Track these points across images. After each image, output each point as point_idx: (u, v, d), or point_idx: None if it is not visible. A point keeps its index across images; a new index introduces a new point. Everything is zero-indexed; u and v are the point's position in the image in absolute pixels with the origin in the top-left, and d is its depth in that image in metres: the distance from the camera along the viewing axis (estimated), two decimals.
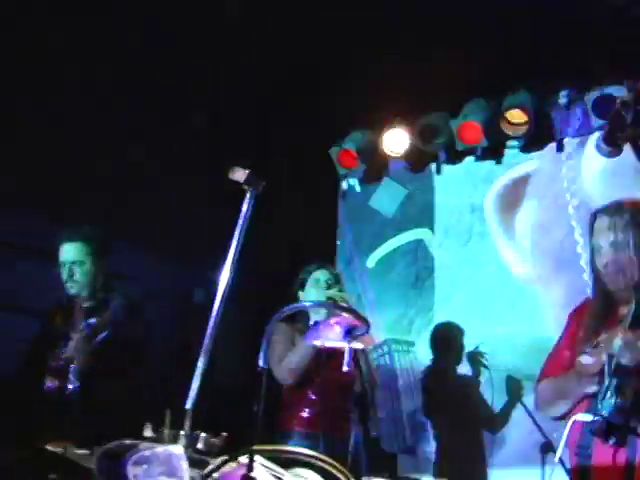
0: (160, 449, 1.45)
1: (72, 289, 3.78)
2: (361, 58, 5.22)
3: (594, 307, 2.79)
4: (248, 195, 2.03)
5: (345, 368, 2.43)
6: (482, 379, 5.09)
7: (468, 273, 5.46)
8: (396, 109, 5.41)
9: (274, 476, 1.44)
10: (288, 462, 1.50)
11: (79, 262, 3.76)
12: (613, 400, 2.38)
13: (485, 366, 5.07)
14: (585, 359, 2.57)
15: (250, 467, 1.33)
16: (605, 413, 2.39)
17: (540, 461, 3.74)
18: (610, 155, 1.58)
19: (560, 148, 5.11)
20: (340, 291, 3.67)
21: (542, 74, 4.96)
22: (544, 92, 5.09)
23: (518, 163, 5.34)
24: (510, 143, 5.27)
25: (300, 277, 4.01)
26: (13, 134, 4.54)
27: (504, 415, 4.94)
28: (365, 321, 2.28)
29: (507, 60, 4.87)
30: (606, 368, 2.47)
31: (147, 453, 1.44)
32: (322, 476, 1.38)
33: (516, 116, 5.03)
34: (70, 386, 3.53)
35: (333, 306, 3.10)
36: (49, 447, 1.61)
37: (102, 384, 3.54)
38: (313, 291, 3.84)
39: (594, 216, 2.74)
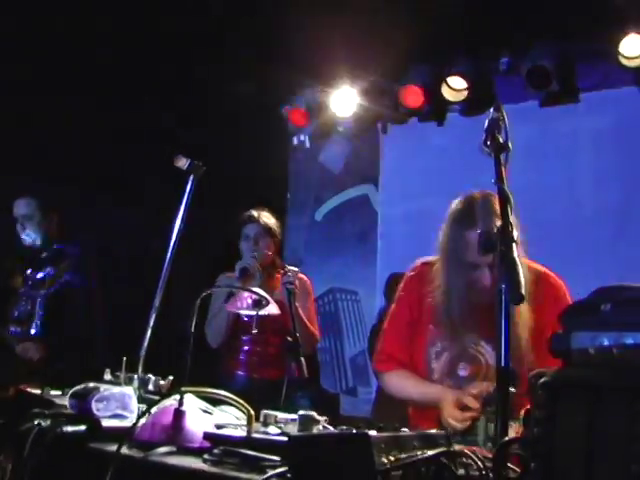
0: (116, 389, 1.91)
1: (26, 241, 4.02)
2: (314, 22, 5.43)
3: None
4: (190, 179, 2.28)
5: (254, 331, 3.20)
6: None
7: (409, 228, 5.80)
8: (345, 71, 5.62)
9: (204, 411, 1.84)
10: (218, 400, 1.88)
11: (29, 216, 3.98)
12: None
13: None
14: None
15: (180, 403, 1.71)
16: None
17: None
18: (489, 156, 1.86)
19: None
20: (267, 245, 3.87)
21: (483, 41, 5.21)
22: (484, 59, 5.34)
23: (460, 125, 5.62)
24: (452, 107, 5.55)
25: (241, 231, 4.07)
26: None
27: None
28: (265, 298, 2.94)
29: (451, 27, 5.10)
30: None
31: (106, 393, 1.92)
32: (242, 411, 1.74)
33: (457, 82, 5.32)
34: (32, 331, 3.82)
35: (239, 288, 3.31)
36: (29, 389, 1.97)
37: (56, 331, 3.79)
38: (245, 246, 3.93)
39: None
